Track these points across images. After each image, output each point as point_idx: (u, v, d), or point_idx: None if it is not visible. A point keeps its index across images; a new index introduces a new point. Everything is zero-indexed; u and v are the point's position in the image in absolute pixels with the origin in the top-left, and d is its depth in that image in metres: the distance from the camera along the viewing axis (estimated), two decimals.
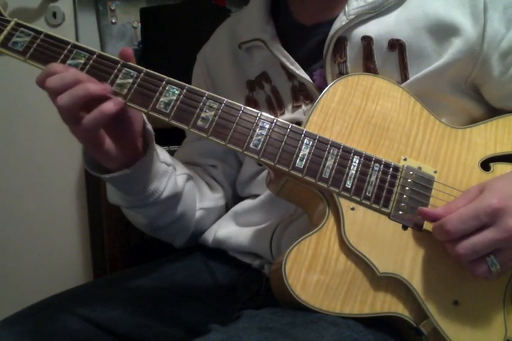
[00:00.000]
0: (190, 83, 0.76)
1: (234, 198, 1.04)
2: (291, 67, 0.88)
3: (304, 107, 0.89)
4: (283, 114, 0.91)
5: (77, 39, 1.67)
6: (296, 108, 0.90)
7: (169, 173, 0.88)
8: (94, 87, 0.70)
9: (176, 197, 0.91)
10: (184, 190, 0.93)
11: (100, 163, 0.79)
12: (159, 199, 0.87)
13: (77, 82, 0.70)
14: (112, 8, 1.75)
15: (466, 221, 0.68)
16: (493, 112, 0.86)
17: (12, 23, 0.74)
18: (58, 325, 0.82)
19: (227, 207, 1.03)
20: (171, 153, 1.11)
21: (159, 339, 0.86)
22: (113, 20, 1.75)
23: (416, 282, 0.72)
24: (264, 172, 0.93)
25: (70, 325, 0.82)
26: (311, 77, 0.88)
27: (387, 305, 0.71)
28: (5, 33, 0.73)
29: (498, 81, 0.83)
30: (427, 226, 0.74)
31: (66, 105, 0.70)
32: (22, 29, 0.74)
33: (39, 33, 0.74)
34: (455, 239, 0.68)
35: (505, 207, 0.67)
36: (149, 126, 0.82)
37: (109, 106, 0.71)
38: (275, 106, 0.92)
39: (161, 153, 0.88)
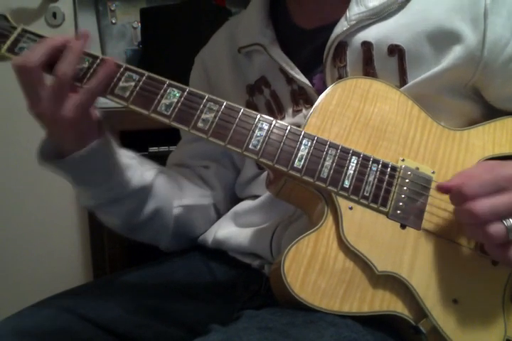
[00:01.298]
0: (188, 84, 0.76)
1: (227, 201, 1.03)
2: (291, 72, 0.88)
3: (304, 111, 0.89)
4: (283, 118, 0.91)
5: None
6: (296, 112, 0.90)
7: (133, 167, 0.88)
8: (75, 47, 0.74)
9: (144, 191, 0.90)
10: (154, 184, 0.92)
11: (61, 150, 0.79)
12: (125, 192, 0.86)
13: (57, 46, 0.73)
14: (112, 8, 1.75)
15: (484, 185, 0.67)
16: (491, 114, 0.86)
17: (19, 30, 0.77)
18: (58, 324, 0.82)
19: (217, 209, 1.03)
20: (170, 152, 1.12)
21: (159, 339, 0.86)
22: (113, 21, 1.76)
23: (415, 280, 0.72)
24: (264, 174, 0.93)
25: (70, 324, 0.82)
26: (311, 82, 0.88)
27: (386, 303, 0.71)
28: (12, 38, 0.76)
29: (502, 85, 0.83)
30: (426, 225, 0.75)
31: (68, 72, 0.72)
32: (28, 35, 0.76)
33: (44, 38, 0.76)
34: (473, 201, 0.66)
35: None
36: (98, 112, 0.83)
37: (106, 68, 0.74)
38: (275, 110, 0.93)
39: (123, 150, 0.88)
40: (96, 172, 0.83)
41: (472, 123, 0.85)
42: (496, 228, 0.65)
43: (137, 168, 0.89)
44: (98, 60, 0.75)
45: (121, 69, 0.75)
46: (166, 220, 0.96)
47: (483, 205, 0.66)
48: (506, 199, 0.66)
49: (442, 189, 0.73)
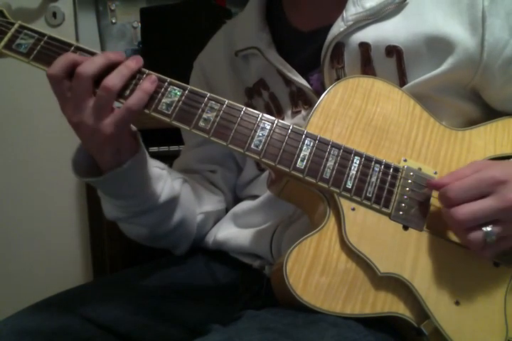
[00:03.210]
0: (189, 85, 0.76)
1: (235, 202, 1.03)
2: (288, 74, 0.88)
3: (303, 112, 0.89)
4: (282, 119, 0.90)
5: (77, 39, 1.67)
6: (295, 113, 0.90)
7: (164, 177, 0.88)
8: (131, 63, 0.73)
9: (174, 201, 0.90)
10: (181, 194, 0.92)
11: (97, 165, 0.79)
12: (158, 203, 0.87)
13: (114, 61, 0.72)
14: (112, 8, 1.75)
15: (467, 189, 0.69)
16: (492, 114, 0.86)
17: (16, 26, 0.75)
18: (59, 324, 0.82)
19: (228, 212, 1.03)
20: (171, 152, 1.12)
21: (160, 339, 0.86)
22: (113, 20, 1.76)
23: (417, 282, 0.72)
24: (264, 174, 0.93)
25: (70, 324, 0.82)
26: (309, 83, 0.88)
27: (388, 305, 0.71)
28: (9, 35, 0.75)
29: (501, 86, 0.83)
30: (428, 226, 0.74)
31: (115, 85, 0.71)
32: (26, 31, 0.75)
33: (43, 35, 0.75)
34: (454, 205, 0.69)
35: (507, 181, 0.68)
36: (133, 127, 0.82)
37: (148, 85, 0.73)
38: (274, 112, 0.92)
39: (152, 160, 0.88)
40: (131, 185, 0.83)
41: (472, 123, 0.84)
42: (475, 235, 0.68)
43: (167, 179, 0.89)
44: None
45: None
46: (190, 228, 0.96)
47: (464, 212, 0.68)
48: (486, 205, 0.68)
49: (431, 186, 0.75)
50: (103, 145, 0.75)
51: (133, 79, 0.73)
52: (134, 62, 0.74)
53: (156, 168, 0.88)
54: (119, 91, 0.72)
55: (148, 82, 0.73)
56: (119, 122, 0.73)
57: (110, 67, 0.72)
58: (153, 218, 0.89)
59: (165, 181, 0.88)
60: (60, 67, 0.72)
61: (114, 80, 0.71)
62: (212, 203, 1.00)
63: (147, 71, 0.75)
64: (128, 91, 0.73)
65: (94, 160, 0.80)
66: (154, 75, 0.74)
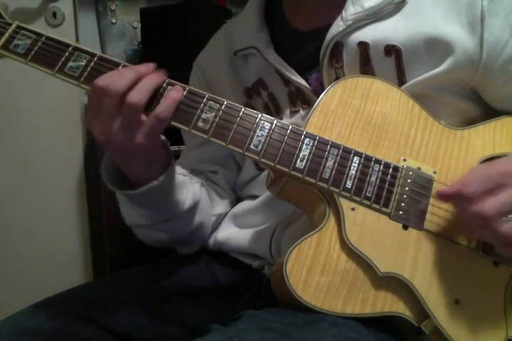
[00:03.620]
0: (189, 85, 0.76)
1: (236, 202, 1.03)
2: (287, 74, 0.88)
3: (301, 112, 0.89)
4: (281, 119, 0.90)
5: (77, 39, 1.67)
6: (294, 113, 0.90)
7: (187, 184, 0.89)
8: (155, 76, 0.72)
9: (196, 207, 0.91)
10: (201, 198, 0.93)
11: (126, 179, 0.79)
12: (183, 210, 0.87)
13: (140, 75, 0.71)
14: (112, 8, 1.75)
15: (483, 183, 0.68)
16: (491, 113, 0.86)
17: (13, 26, 0.75)
18: (58, 324, 0.82)
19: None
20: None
21: (160, 339, 0.86)
22: (113, 20, 1.76)
23: (417, 281, 0.72)
24: (264, 174, 0.93)
25: (70, 324, 0.82)
26: (308, 82, 0.88)
27: (388, 304, 0.71)
28: (6, 35, 0.74)
29: (502, 86, 0.83)
30: (428, 225, 0.75)
31: (141, 100, 0.69)
32: (23, 32, 0.75)
33: (40, 35, 0.75)
34: (474, 200, 0.67)
35: None
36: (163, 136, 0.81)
37: (175, 93, 0.72)
38: (273, 112, 0.92)
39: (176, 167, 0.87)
40: (162, 197, 0.83)
41: (471, 122, 0.85)
42: (508, 226, 0.66)
43: (190, 185, 0.90)
44: (95, 58, 0.74)
45: (120, 67, 0.74)
46: (206, 230, 0.97)
47: (491, 206, 0.66)
48: (508, 196, 0.67)
49: (442, 196, 0.72)
50: (134, 158, 0.75)
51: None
52: (159, 75, 0.73)
53: (179, 175, 0.87)
54: (145, 106, 0.71)
55: (175, 91, 0.72)
56: (149, 133, 0.72)
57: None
58: (175, 224, 0.89)
59: (188, 188, 0.89)
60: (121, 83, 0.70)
61: (140, 95, 0.70)
62: (223, 205, 1.01)
63: (167, 80, 0.74)
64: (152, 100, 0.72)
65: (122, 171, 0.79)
66: (179, 85, 0.74)
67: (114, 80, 0.70)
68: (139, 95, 0.70)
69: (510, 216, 0.67)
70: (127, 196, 0.81)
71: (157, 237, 0.92)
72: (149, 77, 0.72)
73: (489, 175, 0.69)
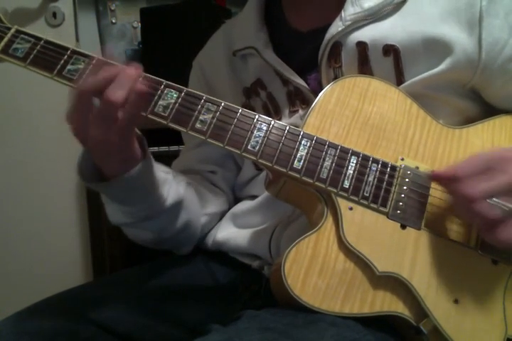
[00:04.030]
0: (189, 84, 0.76)
1: (236, 202, 1.03)
2: (286, 74, 0.88)
3: (300, 112, 0.89)
4: (280, 119, 0.91)
5: (77, 39, 1.67)
6: (293, 113, 0.90)
7: (169, 181, 0.88)
8: (131, 70, 0.71)
9: (179, 205, 0.90)
10: (186, 197, 0.92)
11: (101, 172, 0.78)
12: (164, 208, 0.86)
13: (118, 73, 0.70)
14: (112, 8, 1.75)
15: (475, 166, 0.69)
16: (489, 112, 0.86)
17: (13, 30, 0.75)
18: (58, 324, 0.82)
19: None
20: (171, 152, 1.12)
21: (160, 339, 0.86)
22: (113, 20, 1.76)
23: (415, 281, 0.72)
24: (263, 174, 0.93)
25: (70, 324, 0.82)
26: (306, 82, 0.88)
27: (387, 304, 0.71)
28: (5, 39, 0.74)
29: (502, 86, 0.83)
30: (426, 225, 0.75)
31: (121, 97, 0.69)
32: (22, 36, 0.75)
33: (39, 39, 0.75)
34: (464, 180, 0.69)
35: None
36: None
37: (140, 86, 0.70)
38: (272, 112, 0.92)
39: (157, 164, 0.87)
40: (138, 191, 0.82)
41: (470, 120, 0.85)
42: (488, 207, 0.67)
43: (172, 183, 0.89)
44: (94, 61, 0.73)
45: None
46: (194, 230, 0.96)
47: (477, 187, 0.67)
48: (499, 180, 0.68)
49: (436, 177, 0.74)
50: (110, 153, 0.74)
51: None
52: (135, 71, 0.71)
53: (161, 172, 0.87)
54: (123, 103, 0.70)
55: (140, 84, 0.71)
56: (124, 128, 0.71)
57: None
58: (159, 223, 0.88)
59: (170, 185, 0.88)
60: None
61: (118, 92, 0.69)
62: (216, 204, 1.00)
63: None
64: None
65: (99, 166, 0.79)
66: (150, 77, 0.73)
67: (89, 81, 0.70)
68: (116, 93, 0.69)
69: (495, 199, 0.68)
70: (105, 192, 0.81)
71: (145, 236, 0.91)
72: (126, 75, 0.70)
73: (484, 159, 0.70)
